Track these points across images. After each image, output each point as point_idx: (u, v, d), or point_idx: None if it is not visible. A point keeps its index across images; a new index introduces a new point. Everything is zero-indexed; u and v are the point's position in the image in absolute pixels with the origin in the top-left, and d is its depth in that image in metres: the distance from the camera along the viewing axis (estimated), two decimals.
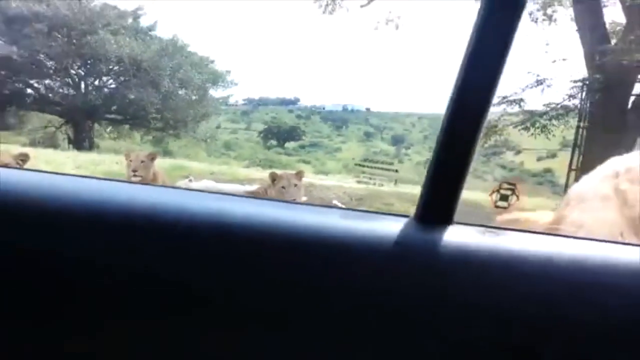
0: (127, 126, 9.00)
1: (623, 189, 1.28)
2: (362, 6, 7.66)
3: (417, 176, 9.92)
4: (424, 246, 0.86)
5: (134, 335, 0.91)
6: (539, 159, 9.79)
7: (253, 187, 3.97)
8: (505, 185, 1.92)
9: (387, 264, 0.85)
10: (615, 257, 0.84)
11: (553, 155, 9.27)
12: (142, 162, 3.98)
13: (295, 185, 3.41)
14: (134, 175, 3.95)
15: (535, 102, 6.90)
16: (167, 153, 8.87)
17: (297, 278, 0.88)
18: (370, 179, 3.27)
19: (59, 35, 7.86)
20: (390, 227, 0.88)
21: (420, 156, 10.98)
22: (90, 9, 8.21)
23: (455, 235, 0.86)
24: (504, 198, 1.90)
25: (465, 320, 0.83)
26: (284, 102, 12.44)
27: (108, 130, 9.32)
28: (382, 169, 3.31)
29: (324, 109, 12.04)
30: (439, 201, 0.89)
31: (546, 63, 6.69)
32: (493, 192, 1.92)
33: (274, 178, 3.48)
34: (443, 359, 0.84)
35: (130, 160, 3.98)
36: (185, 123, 8.90)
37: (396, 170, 3.33)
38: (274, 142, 11.60)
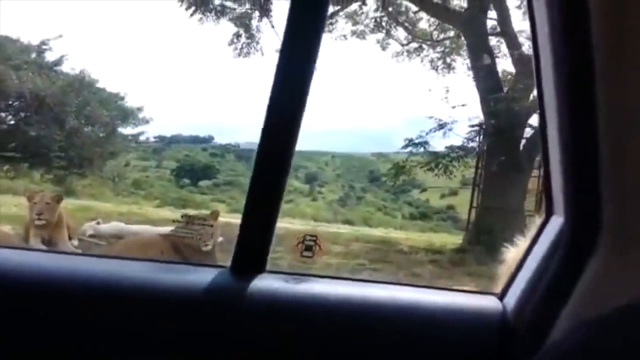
0: (26, 165, 8.41)
1: None
2: (277, 51, 7.87)
3: (332, 214, 10.11)
4: (230, 294, 0.94)
5: None
6: (442, 197, 10.42)
7: (167, 229, 3.89)
8: (309, 237, 2.03)
9: (193, 312, 0.93)
10: (398, 298, 0.95)
11: (455, 193, 9.92)
12: (48, 204, 3.77)
13: (211, 225, 3.49)
14: (39, 219, 3.71)
15: (438, 144, 7.46)
16: (69, 193, 8.36)
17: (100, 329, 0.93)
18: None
19: None
20: (202, 278, 0.95)
21: (333, 194, 11.22)
22: None
23: (261, 283, 0.95)
24: (309, 248, 2.03)
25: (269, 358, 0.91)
26: (197, 140, 12.27)
27: (5, 168, 8.65)
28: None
29: (238, 147, 12.02)
30: (250, 252, 0.98)
31: (447, 108, 7.27)
32: (298, 243, 2.02)
33: (188, 220, 3.58)
34: None
35: (35, 203, 3.75)
36: (91, 161, 8.48)
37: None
38: (187, 181, 11.34)
